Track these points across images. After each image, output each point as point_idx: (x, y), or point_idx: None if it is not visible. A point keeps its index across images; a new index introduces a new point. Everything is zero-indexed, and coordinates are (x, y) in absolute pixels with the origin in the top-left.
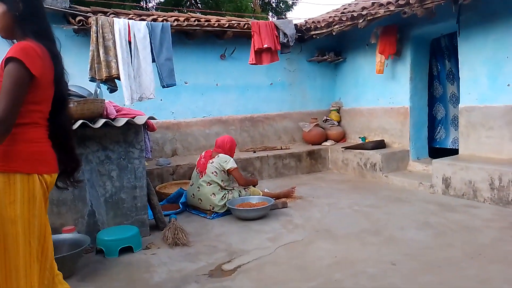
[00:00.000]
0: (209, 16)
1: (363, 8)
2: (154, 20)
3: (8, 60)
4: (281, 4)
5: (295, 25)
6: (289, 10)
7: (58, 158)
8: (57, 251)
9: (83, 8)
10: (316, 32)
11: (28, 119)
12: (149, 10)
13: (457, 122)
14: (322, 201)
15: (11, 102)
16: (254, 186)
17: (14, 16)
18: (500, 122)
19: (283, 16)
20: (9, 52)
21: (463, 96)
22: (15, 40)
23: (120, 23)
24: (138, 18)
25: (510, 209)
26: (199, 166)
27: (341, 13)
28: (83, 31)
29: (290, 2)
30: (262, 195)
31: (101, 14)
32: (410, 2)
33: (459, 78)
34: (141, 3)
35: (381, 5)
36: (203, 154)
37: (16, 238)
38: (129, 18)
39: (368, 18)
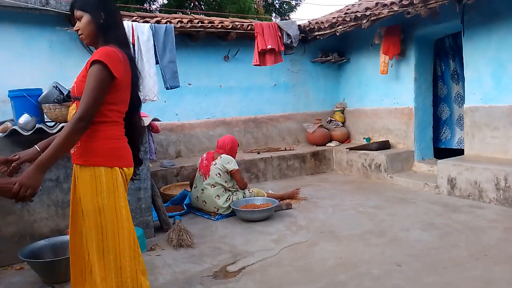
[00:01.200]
0: (212, 18)
1: (367, 9)
2: (158, 22)
3: (93, 62)
4: (284, 5)
5: (299, 26)
6: (292, 11)
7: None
8: (63, 252)
9: None
10: (320, 32)
11: (108, 117)
12: (152, 12)
13: (463, 122)
14: (326, 202)
15: (92, 100)
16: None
17: (98, 25)
18: (505, 122)
19: (287, 17)
20: (94, 55)
21: (468, 96)
22: (93, 48)
23: None
24: (141, 20)
25: None
26: (202, 169)
27: (345, 14)
28: None
29: (293, 3)
30: (267, 197)
31: None
32: (414, 2)
33: (464, 77)
34: (145, 5)
35: (384, 5)
36: (204, 156)
37: (103, 227)
38: (133, 20)
39: (372, 18)
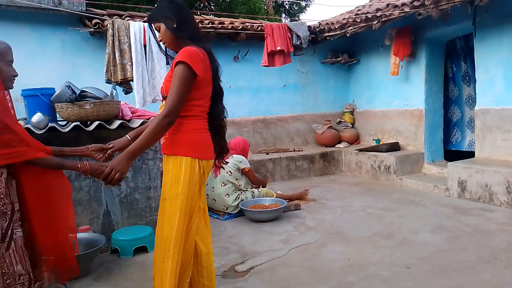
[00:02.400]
0: (222, 19)
1: (377, 10)
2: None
3: (177, 63)
4: (294, 6)
5: (309, 27)
6: (302, 12)
7: (214, 143)
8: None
9: (99, 11)
10: (330, 33)
11: (191, 112)
12: None
13: (473, 125)
14: (335, 204)
15: (177, 98)
16: (264, 186)
17: (173, 30)
18: None
19: (296, 18)
20: (178, 56)
21: (479, 98)
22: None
23: (135, 26)
24: None
25: None
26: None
27: (355, 15)
28: (99, 33)
29: (303, 4)
30: (275, 197)
31: (116, 17)
32: (425, 3)
33: (475, 79)
34: (155, 5)
35: (395, 6)
36: None
37: (174, 213)
38: (144, 21)
39: (383, 19)
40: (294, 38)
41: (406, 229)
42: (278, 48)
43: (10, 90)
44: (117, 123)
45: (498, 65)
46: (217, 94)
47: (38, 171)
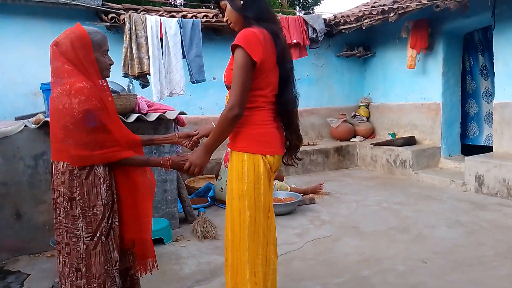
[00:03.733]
0: None
1: (394, 2)
2: (184, 16)
3: (233, 47)
4: None
5: (324, 19)
6: (316, 5)
7: (285, 136)
8: None
9: (115, 5)
10: (345, 26)
11: (252, 103)
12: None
13: (491, 119)
14: (350, 198)
15: (239, 88)
16: (281, 180)
17: (239, 9)
18: None
19: (311, 11)
20: (235, 39)
21: (498, 91)
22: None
23: (152, 20)
24: (168, 15)
25: None
26: (227, 161)
27: (371, 7)
28: (115, 28)
29: None
30: (290, 191)
31: (132, 11)
32: None
33: (493, 73)
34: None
35: None
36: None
37: (243, 212)
38: (160, 15)
39: (399, 12)
40: (310, 31)
41: (422, 223)
42: (294, 41)
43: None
44: (134, 116)
45: None
46: (286, 80)
47: (129, 168)
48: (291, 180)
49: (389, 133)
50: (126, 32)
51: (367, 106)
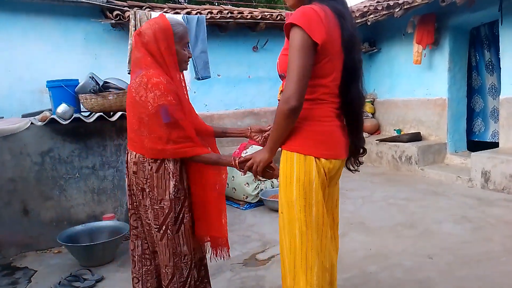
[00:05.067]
0: (241, 8)
1: None
2: (188, 13)
3: (288, 27)
4: None
5: None
6: None
7: (349, 139)
8: (98, 237)
9: (119, 3)
10: None
11: (310, 94)
12: (181, 3)
13: (497, 115)
14: (355, 194)
15: (296, 76)
16: None
17: None
18: None
19: None
20: (290, 17)
21: (505, 86)
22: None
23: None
24: (172, 12)
25: None
26: (235, 155)
27: (377, 2)
28: (120, 25)
29: None
30: None
31: (137, 8)
32: None
33: (499, 68)
34: None
35: None
36: (238, 147)
37: (292, 223)
38: (164, 12)
39: (405, 7)
40: None
41: (428, 219)
42: None
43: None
44: None
45: None
46: (353, 72)
47: (203, 166)
48: None
49: (394, 129)
50: (132, 28)
51: (372, 102)
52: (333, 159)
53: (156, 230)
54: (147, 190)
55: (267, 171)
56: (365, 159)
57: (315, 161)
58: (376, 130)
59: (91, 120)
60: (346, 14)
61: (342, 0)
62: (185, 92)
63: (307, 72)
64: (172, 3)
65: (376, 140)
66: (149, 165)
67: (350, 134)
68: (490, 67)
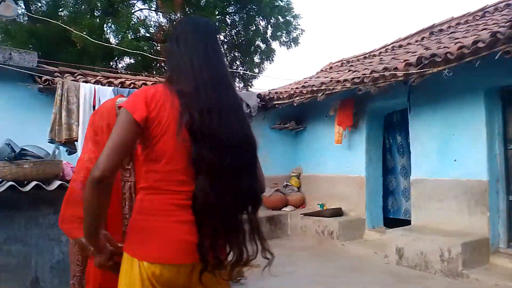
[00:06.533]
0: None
1: (322, 84)
2: (122, 83)
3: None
4: (247, 72)
5: (259, 94)
6: (255, 78)
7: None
8: None
9: (50, 68)
10: (279, 102)
11: (144, 182)
12: (118, 71)
13: (408, 194)
14: (280, 270)
15: (109, 147)
16: None
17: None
18: (449, 195)
19: (249, 83)
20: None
21: (414, 169)
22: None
23: (86, 88)
24: (105, 81)
25: (459, 281)
26: None
27: (302, 86)
28: (49, 90)
29: (255, 71)
30: None
31: (68, 74)
32: (365, 80)
33: (409, 151)
34: (111, 63)
35: (338, 81)
36: None
37: None
38: (96, 80)
39: (327, 92)
40: (243, 107)
41: None
42: None
43: None
44: (56, 183)
45: (431, 139)
46: (199, 159)
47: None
48: None
49: (318, 204)
50: (57, 98)
51: (298, 177)
52: (159, 264)
53: None
54: None
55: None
56: (291, 232)
57: (139, 264)
58: (302, 203)
59: (1, 190)
60: (194, 93)
61: (196, 83)
62: None
63: (121, 147)
64: (108, 70)
65: (301, 214)
66: None
67: (202, 236)
68: (401, 150)
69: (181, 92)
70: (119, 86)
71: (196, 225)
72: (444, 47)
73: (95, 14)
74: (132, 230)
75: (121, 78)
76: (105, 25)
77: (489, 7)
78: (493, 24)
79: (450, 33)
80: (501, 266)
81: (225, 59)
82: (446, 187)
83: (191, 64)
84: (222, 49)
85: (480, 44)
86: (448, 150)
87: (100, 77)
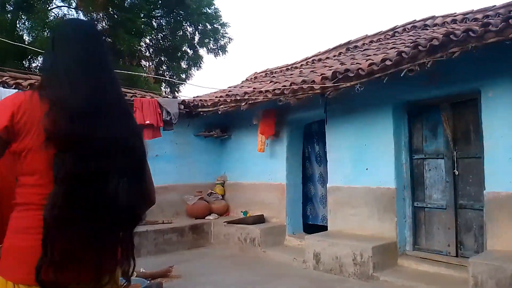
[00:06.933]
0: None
1: (245, 93)
2: (31, 84)
3: None
4: (174, 77)
5: (184, 101)
6: (182, 84)
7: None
8: None
9: None
10: (203, 109)
11: (19, 198)
12: (31, 71)
13: (325, 201)
14: (202, 280)
15: None
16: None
17: None
18: (361, 201)
19: (176, 88)
20: None
21: (331, 176)
22: None
23: None
24: (13, 82)
25: (370, 283)
26: None
27: (226, 95)
28: None
29: (182, 76)
30: (136, 276)
31: None
32: (285, 92)
33: (326, 160)
34: (24, 62)
35: (260, 92)
36: None
37: None
38: (2, 81)
39: (250, 102)
40: (164, 114)
41: None
42: (147, 122)
43: None
44: None
45: (346, 148)
46: (67, 172)
47: None
48: (141, 262)
49: (241, 211)
50: None
51: (222, 184)
52: (25, 284)
53: None
54: None
55: None
56: (214, 241)
57: (14, 286)
58: (226, 211)
59: None
60: (66, 103)
61: (71, 88)
62: None
63: None
64: (19, 70)
65: (224, 222)
66: None
67: (45, 253)
68: (319, 158)
69: (52, 99)
70: (28, 88)
71: (42, 240)
72: (356, 63)
73: (6, 8)
74: (6, 251)
75: (32, 79)
76: (18, 21)
77: (399, 27)
78: (401, 43)
79: (364, 50)
80: (408, 268)
81: (111, 64)
82: (359, 194)
83: (65, 69)
84: (107, 53)
85: (388, 62)
86: (361, 159)
87: (7, 77)
